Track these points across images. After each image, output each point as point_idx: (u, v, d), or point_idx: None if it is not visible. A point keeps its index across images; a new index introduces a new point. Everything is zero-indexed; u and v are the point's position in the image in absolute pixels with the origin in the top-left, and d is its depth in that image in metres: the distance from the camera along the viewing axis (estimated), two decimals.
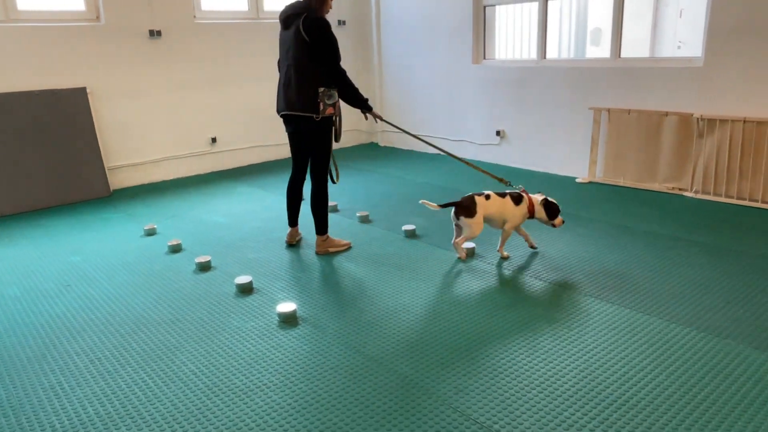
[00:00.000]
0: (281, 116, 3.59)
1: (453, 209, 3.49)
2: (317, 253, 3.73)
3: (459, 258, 3.54)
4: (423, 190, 5.20)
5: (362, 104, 3.58)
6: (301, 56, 3.37)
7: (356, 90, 3.54)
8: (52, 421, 2.13)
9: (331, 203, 4.63)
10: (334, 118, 3.54)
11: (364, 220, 4.36)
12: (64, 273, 3.56)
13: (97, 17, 5.35)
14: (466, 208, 3.42)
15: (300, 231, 3.99)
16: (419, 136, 4.20)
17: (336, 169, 3.74)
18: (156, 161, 5.86)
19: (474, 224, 3.39)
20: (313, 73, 3.38)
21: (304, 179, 3.80)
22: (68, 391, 2.31)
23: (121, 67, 5.47)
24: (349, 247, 3.81)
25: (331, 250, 3.74)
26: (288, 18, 3.43)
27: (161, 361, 2.51)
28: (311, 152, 3.58)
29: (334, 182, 3.74)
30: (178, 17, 5.73)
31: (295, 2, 3.46)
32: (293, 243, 3.91)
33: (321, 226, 3.70)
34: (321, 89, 3.38)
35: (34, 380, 2.40)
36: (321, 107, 3.39)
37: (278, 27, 3.58)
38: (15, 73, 4.93)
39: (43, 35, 5.03)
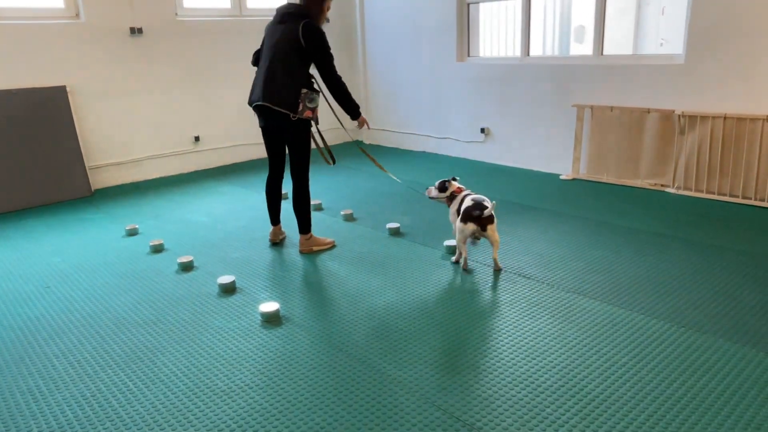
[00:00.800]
0: (255, 107, 3.50)
1: (472, 225, 3.11)
2: (301, 252, 3.72)
3: (465, 269, 3.32)
4: (408, 187, 5.19)
5: (354, 111, 3.60)
6: (292, 57, 3.38)
7: (350, 96, 3.57)
8: (30, 426, 2.10)
9: (315, 201, 4.63)
10: (311, 122, 3.52)
11: (349, 218, 4.35)
12: (44, 274, 3.51)
13: (77, 15, 5.28)
14: (489, 217, 3.11)
15: (284, 230, 3.97)
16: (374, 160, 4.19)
17: (330, 153, 3.73)
18: (138, 160, 5.80)
19: (496, 228, 3.18)
20: (300, 74, 3.40)
21: (281, 176, 3.78)
22: (47, 395, 2.28)
23: (102, 65, 5.41)
24: (333, 246, 3.80)
25: (315, 248, 3.73)
26: (285, 15, 3.44)
27: (142, 363, 2.48)
28: (290, 152, 3.58)
29: (332, 164, 3.77)
30: (159, 15, 5.67)
31: (296, 3, 3.49)
32: (277, 241, 3.89)
33: (304, 226, 3.70)
34: (304, 91, 3.38)
35: (11, 384, 2.36)
36: (300, 108, 3.38)
37: (262, 25, 3.56)
38: None
39: (21, 33, 4.95)
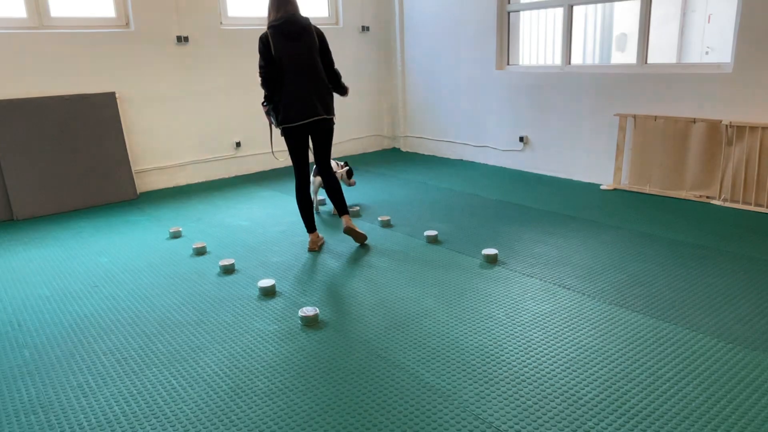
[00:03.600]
0: (303, 124, 3.65)
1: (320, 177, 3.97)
2: (348, 230, 3.83)
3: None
4: (445, 195, 5.19)
5: (345, 90, 3.96)
6: (317, 65, 3.68)
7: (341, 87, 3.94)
8: (80, 420, 2.18)
9: (353, 208, 4.68)
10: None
11: (386, 224, 4.37)
12: (92, 274, 3.63)
13: (127, 24, 5.47)
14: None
15: (321, 235, 4.03)
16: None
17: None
18: (182, 165, 5.95)
19: None
20: (326, 79, 3.77)
21: (308, 182, 3.90)
22: (95, 390, 2.36)
23: (149, 72, 5.58)
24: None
25: (357, 229, 3.87)
26: (298, 32, 3.58)
27: (185, 362, 2.55)
28: (324, 148, 3.86)
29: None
30: (205, 24, 5.83)
31: (298, 16, 3.61)
32: (317, 249, 3.91)
33: (345, 208, 3.92)
34: (333, 93, 3.83)
35: (62, 378, 2.46)
36: (333, 110, 3.82)
37: None
38: (48, 77, 5.07)
39: (74, 41, 5.15)
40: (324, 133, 3.79)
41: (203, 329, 2.85)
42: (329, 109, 3.75)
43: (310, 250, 3.89)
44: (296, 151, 3.76)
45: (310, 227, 3.91)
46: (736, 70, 4.40)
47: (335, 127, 4.21)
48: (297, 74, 3.58)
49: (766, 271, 3.27)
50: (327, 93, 3.73)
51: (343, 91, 3.93)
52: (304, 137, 3.73)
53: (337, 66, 3.88)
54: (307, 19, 3.66)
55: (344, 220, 3.87)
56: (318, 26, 3.79)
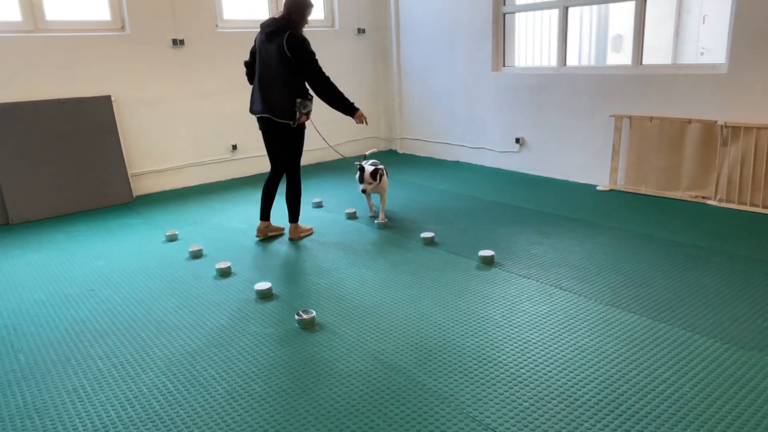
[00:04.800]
0: (260, 118, 3.96)
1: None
2: (290, 239, 4.17)
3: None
4: (441, 197, 5.20)
5: (348, 108, 3.94)
6: (284, 71, 3.76)
7: (341, 95, 3.90)
8: (75, 424, 2.17)
9: (350, 210, 4.68)
10: (304, 124, 3.96)
11: (383, 226, 4.37)
12: (88, 278, 3.62)
13: (122, 27, 5.46)
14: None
15: (277, 225, 4.31)
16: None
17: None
18: (178, 168, 5.95)
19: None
20: (294, 85, 3.80)
21: (280, 176, 4.17)
22: (91, 395, 2.35)
23: (145, 75, 5.58)
24: (311, 232, 4.30)
25: (302, 235, 4.21)
26: (272, 33, 3.78)
27: (182, 366, 2.54)
28: (286, 152, 4.00)
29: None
30: (200, 26, 5.82)
31: (278, 18, 3.82)
32: (264, 237, 4.23)
33: (295, 216, 4.17)
34: (298, 100, 3.81)
35: (58, 383, 2.45)
36: (297, 116, 3.83)
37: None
38: (43, 81, 5.05)
39: (70, 45, 5.15)
40: (271, 132, 3.97)
41: (200, 333, 2.85)
42: (275, 111, 3.84)
43: (258, 237, 4.24)
44: (264, 140, 4.09)
45: (263, 215, 4.21)
46: (730, 71, 4.42)
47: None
48: (261, 71, 3.88)
49: (762, 271, 3.28)
50: (280, 96, 3.81)
51: (341, 106, 3.90)
52: (266, 131, 4.00)
53: (331, 71, 3.90)
54: (285, 25, 3.74)
55: (290, 229, 4.19)
56: (302, 35, 3.78)
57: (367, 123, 4.08)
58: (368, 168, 4.30)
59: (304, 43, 3.73)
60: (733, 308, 2.85)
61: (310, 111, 3.91)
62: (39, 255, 4.08)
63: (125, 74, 5.46)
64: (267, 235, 4.24)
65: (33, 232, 4.63)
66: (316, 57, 3.78)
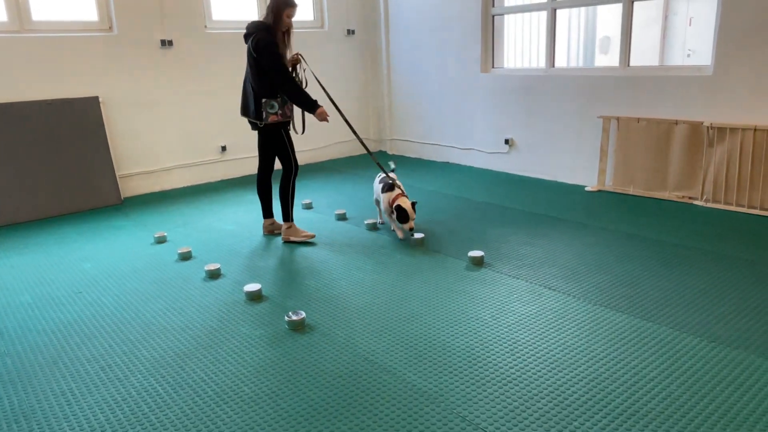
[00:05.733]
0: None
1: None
2: (282, 240, 4.14)
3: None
4: (431, 198, 5.21)
5: (311, 105, 3.85)
6: (253, 72, 3.86)
7: (302, 93, 3.84)
8: (63, 427, 2.15)
9: (339, 211, 4.67)
10: (280, 123, 3.95)
11: (372, 227, 4.37)
12: (75, 280, 3.59)
13: (110, 27, 5.43)
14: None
15: (281, 223, 4.27)
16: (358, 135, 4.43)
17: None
18: (167, 169, 5.91)
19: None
20: (259, 86, 3.85)
21: (268, 173, 4.24)
22: (79, 398, 2.33)
23: (133, 76, 5.54)
24: (311, 238, 4.12)
25: (292, 238, 4.11)
26: (247, 36, 3.89)
27: (171, 368, 2.53)
28: (273, 151, 4.10)
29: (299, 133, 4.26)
30: (189, 27, 5.80)
31: (255, 21, 3.93)
32: (268, 233, 4.32)
33: (284, 214, 4.13)
34: (263, 100, 3.86)
35: (45, 386, 2.43)
36: (264, 115, 3.88)
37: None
38: (29, 82, 5.01)
39: (56, 45, 5.10)
40: (257, 132, 4.07)
41: (189, 335, 2.83)
42: (248, 112, 3.97)
43: (264, 234, 4.35)
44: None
45: (264, 213, 4.32)
46: (716, 73, 4.47)
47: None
48: (245, 74, 3.99)
49: (748, 270, 3.32)
50: (250, 96, 3.90)
51: (303, 103, 3.82)
52: (254, 130, 4.08)
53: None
54: (258, 27, 3.83)
55: (282, 228, 4.17)
56: (267, 37, 3.77)
57: (328, 121, 3.96)
58: (404, 202, 3.92)
59: (267, 46, 3.75)
60: (720, 307, 2.88)
61: (278, 111, 3.88)
62: (25, 257, 4.04)
63: (113, 75, 5.42)
64: (272, 232, 4.34)
65: (19, 235, 4.59)
66: (280, 57, 3.78)
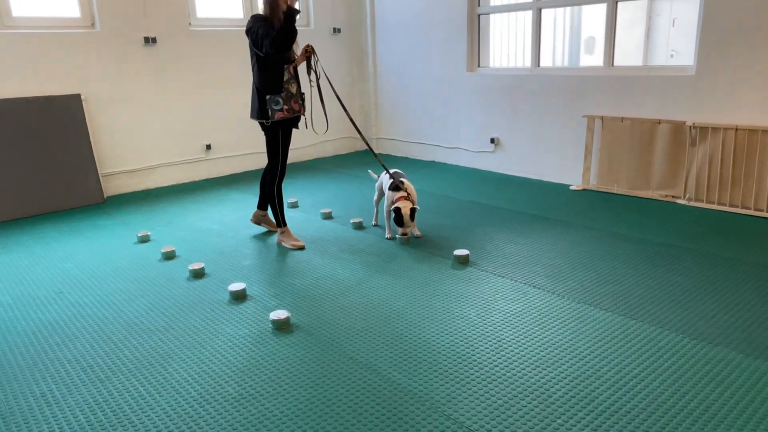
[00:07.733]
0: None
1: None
2: (277, 244, 4.09)
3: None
4: (418, 196, 5.20)
5: (292, 18, 3.47)
6: (254, 66, 3.70)
7: (285, 32, 3.44)
8: (43, 429, 2.12)
9: (325, 210, 4.65)
10: (287, 120, 3.79)
11: (358, 226, 4.36)
12: (56, 280, 3.54)
13: (92, 24, 5.36)
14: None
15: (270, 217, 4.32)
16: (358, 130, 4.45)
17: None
18: (151, 168, 5.85)
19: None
20: (261, 81, 3.68)
21: (275, 176, 4.06)
22: (59, 399, 2.30)
23: (116, 73, 5.48)
24: (300, 248, 3.96)
25: (284, 243, 4.02)
26: (246, 32, 3.67)
27: (153, 369, 2.50)
28: (268, 148, 3.92)
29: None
30: (173, 24, 5.74)
31: (254, 14, 3.72)
32: (257, 223, 4.37)
33: (277, 221, 4.05)
34: (267, 97, 3.68)
35: (25, 388, 2.39)
36: (270, 113, 3.70)
37: None
38: (9, 79, 4.93)
39: (37, 42, 5.03)
40: (265, 134, 3.89)
41: (172, 335, 2.80)
42: (253, 112, 3.82)
43: (252, 222, 4.39)
44: None
45: (258, 204, 4.31)
46: (698, 73, 4.52)
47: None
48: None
49: (729, 268, 3.36)
50: (255, 96, 3.74)
51: (288, 32, 3.45)
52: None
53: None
54: (254, 21, 3.58)
55: (278, 232, 4.10)
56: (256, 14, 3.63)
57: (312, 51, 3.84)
58: (405, 207, 3.81)
59: (251, 20, 3.58)
60: (702, 305, 2.91)
61: (284, 107, 3.69)
62: (4, 257, 3.98)
63: (96, 72, 5.36)
64: (259, 223, 4.36)
65: None
66: (265, 20, 3.55)
